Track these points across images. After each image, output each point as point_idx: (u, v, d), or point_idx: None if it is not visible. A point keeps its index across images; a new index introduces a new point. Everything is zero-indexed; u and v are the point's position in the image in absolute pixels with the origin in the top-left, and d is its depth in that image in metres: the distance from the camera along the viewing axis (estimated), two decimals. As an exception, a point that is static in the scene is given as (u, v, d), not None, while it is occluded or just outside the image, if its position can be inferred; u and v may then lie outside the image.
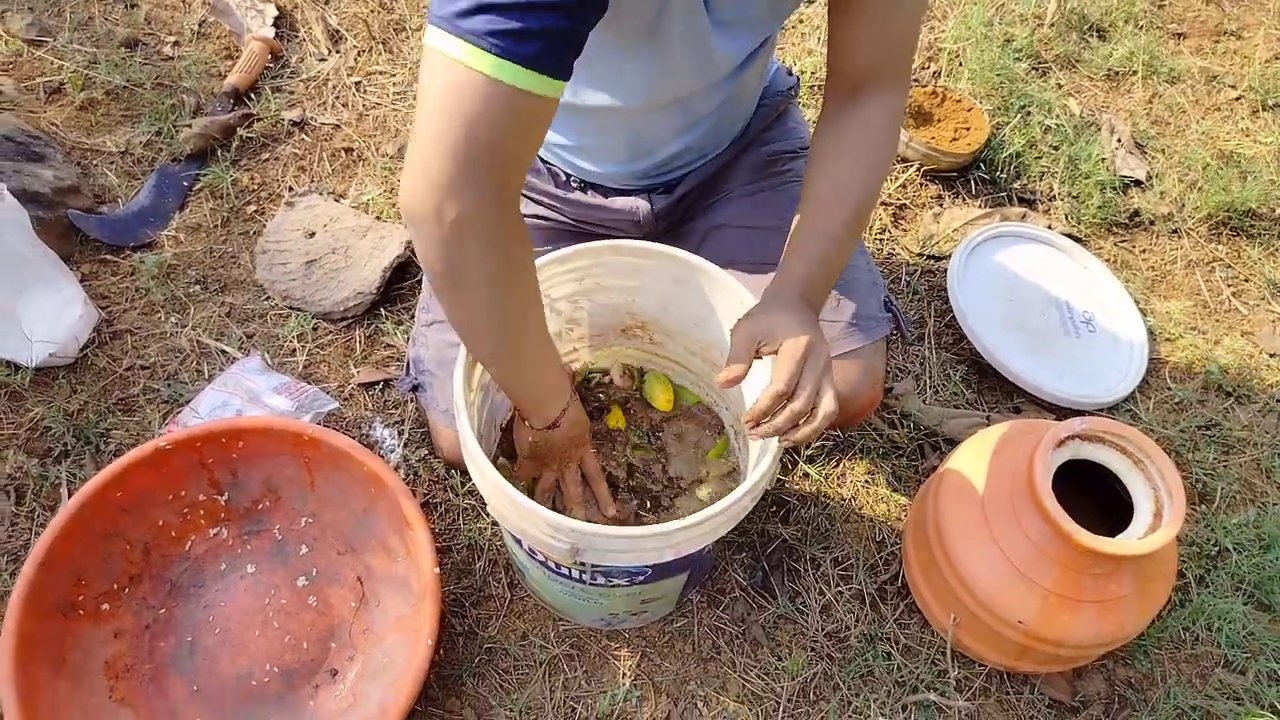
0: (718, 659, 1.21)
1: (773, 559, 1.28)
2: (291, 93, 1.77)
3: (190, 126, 1.65)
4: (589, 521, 0.96)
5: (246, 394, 1.29)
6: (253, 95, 1.75)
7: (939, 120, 1.74)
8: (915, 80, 1.86)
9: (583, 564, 0.95)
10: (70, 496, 1.17)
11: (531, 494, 1.09)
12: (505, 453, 1.17)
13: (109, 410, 1.34)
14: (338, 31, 1.87)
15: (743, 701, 1.18)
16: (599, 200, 1.18)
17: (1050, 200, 1.73)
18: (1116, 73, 1.95)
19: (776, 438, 0.87)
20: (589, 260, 1.06)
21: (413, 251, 1.50)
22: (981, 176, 1.73)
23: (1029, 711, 1.19)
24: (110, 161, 1.62)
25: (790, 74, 1.26)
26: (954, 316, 1.50)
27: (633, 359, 1.25)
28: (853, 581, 1.27)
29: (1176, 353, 1.56)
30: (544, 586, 1.15)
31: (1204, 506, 1.39)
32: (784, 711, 1.17)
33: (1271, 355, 1.56)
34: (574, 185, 1.18)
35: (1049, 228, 1.65)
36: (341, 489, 1.20)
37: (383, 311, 1.47)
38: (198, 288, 1.49)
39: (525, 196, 1.23)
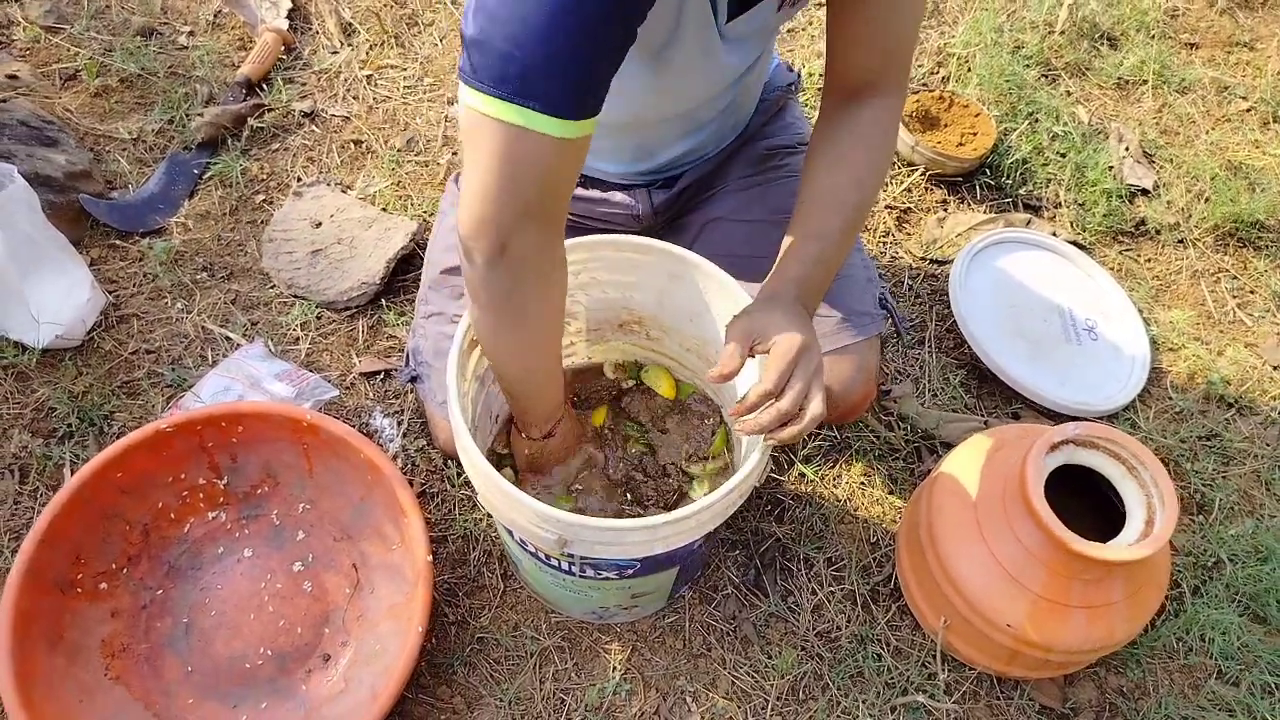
0: (708, 655, 1.21)
1: (766, 557, 1.28)
2: (303, 84, 1.79)
3: (202, 115, 1.67)
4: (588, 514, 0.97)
5: (248, 379, 1.30)
6: (265, 86, 1.76)
7: (946, 125, 1.74)
8: (924, 85, 1.86)
9: (571, 555, 0.96)
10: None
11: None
12: (505, 445, 1.18)
13: (113, 393, 1.35)
14: (350, 25, 1.89)
15: (731, 698, 1.18)
16: (599, 194, 1.19)
17: (1056, 207, 1.73)
18: (1126, 81, 1.94)
19: (764, 436, 0.88)
20: (585, 254, 1.06)
21: (417, 244, 1.51)
22: (987, 182, 1.73)
23: (1019, 717, 1.19)
24: (122, 148, 1.64)
25: (790, 70, 1.27)
26: (955, 321, 1.50)
27: (630, 354, 1.26)
28: (845, 582, 1.27)
29: (1179, 363, 1.56)
30: (536, 578, 1.15)
31: (1202, 517, 1.38)
32: (772, 710, 1.17)
33: (1275, 367, 1.56)
34: (574, 181, 1.19)
35: (1054, 234, 1.65)
36: (339, 476, 1.21)
37: (386, 302, 1.49)
38: (204, 274, 1.51)
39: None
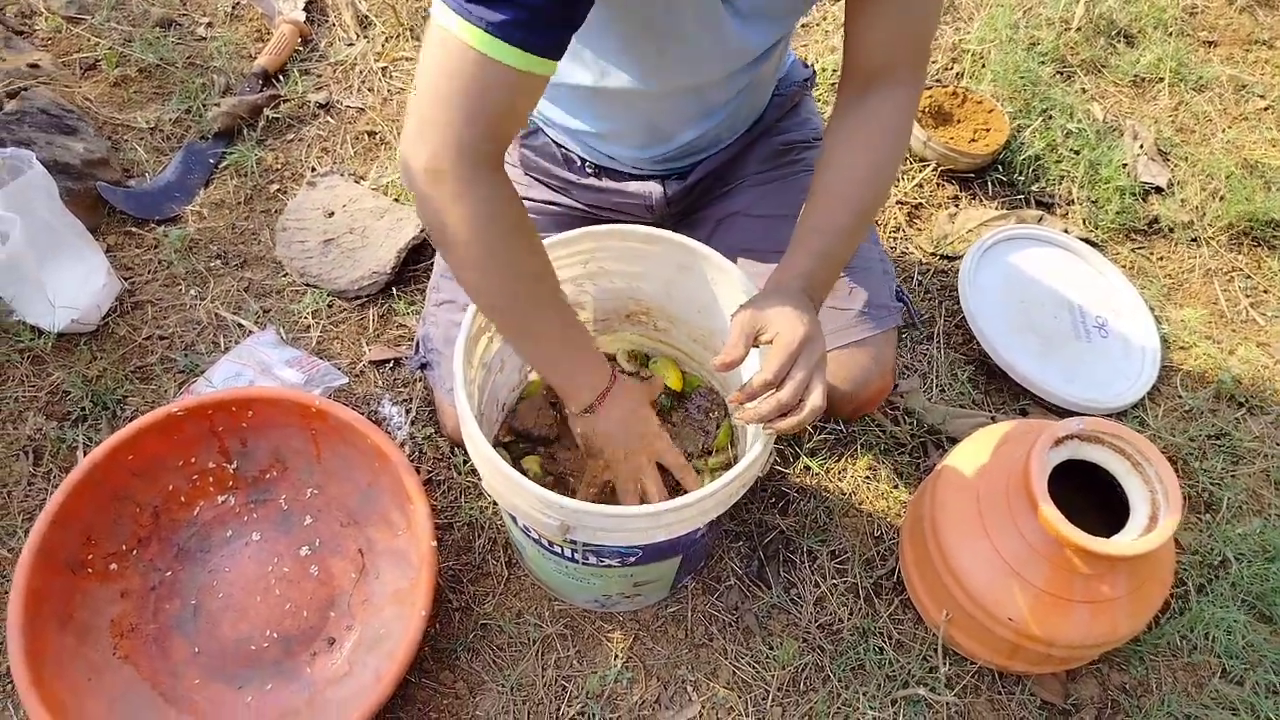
0: (710, 645, 1.22)
1: (769, 549, 1.29)
2: (319, 76, 1.80)
3: (219, 105, 1.68)
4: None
5: (259, 365, 1.32)
6: (281, 77, 1.78)
7: (959, 121, 1.73)
8: (938, 80, 1.86)
9: (574, 542, 0.96)
10: (85, 458, 1.20)
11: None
12: (512, 432, 1.19)
13: (127, 377, 1.37)
14: (366, 17, 1.90)
15: (732, 688, 1.19)
16: (612, 185, 1.19)
17: (1068, 204, 1.72)
18: (1143, 79, 1.93)
19: (763, 426, 0.88)
20: (593, 244, 1.07)
21: (428, 234, 1.52)
22: (999, 178, 1.73)
23: (1020, 712, 1.19)
24: (140, 137, 1.66)
25: (806, 66, 1.27)
26: (964, 317, 1.50)
27: (637, 345, 1.27)
28: (848, 575, 1.27)
29: (1189, 361, 1.55)
30: (539, 565, 1.16)
31: (1209, 516, 1.37)
32: (773, 700, 1.18)
33: (1288, 368, 1.55)
34: (588, 170, 1.20)
35: (1065, 231, 1.64)
36: (347, 462, 1.23)
37: (396, 292, 1.50)
38: (218, 262, 1.52)
39: (539, 181, 1.25)
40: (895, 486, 1.36)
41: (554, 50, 0.80)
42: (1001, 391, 1.48)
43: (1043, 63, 1.89)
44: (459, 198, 0.83)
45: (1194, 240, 1.71)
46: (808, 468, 1.36)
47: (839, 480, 1.36)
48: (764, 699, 1.18)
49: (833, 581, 1.27)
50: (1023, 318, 1.52)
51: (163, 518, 1.21)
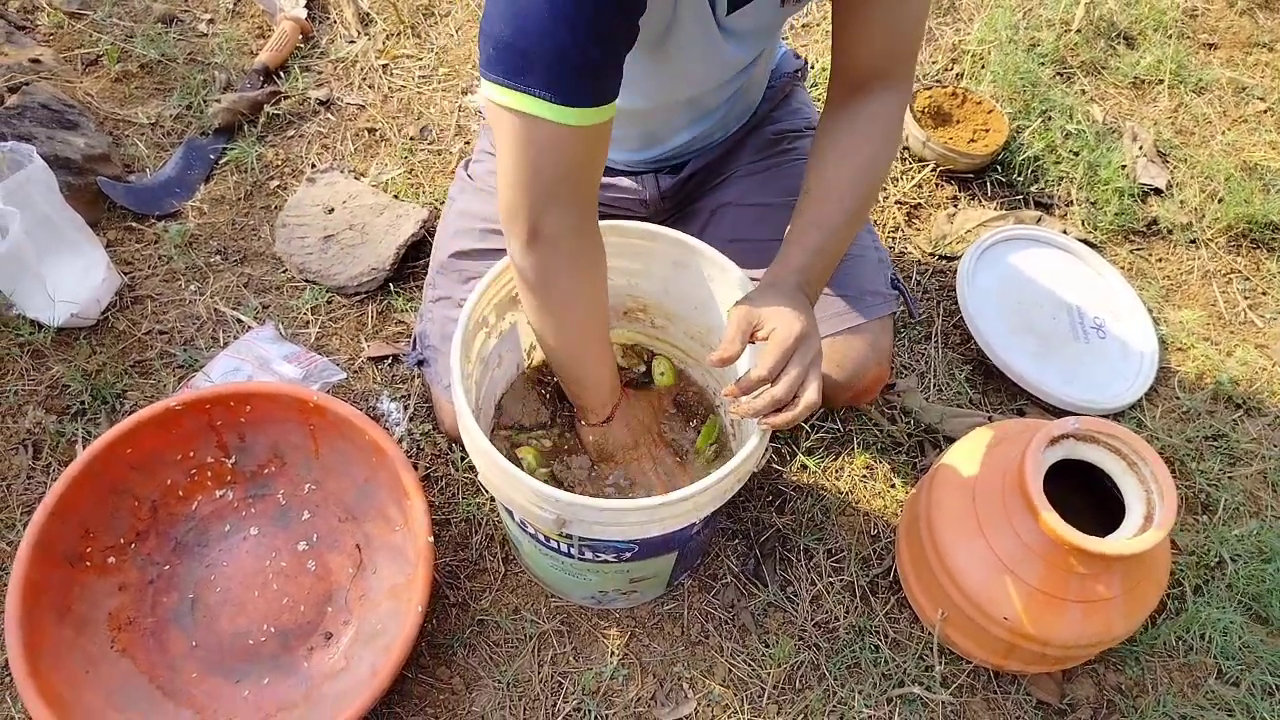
0: (706, 643, 1.22)
1: (766, 547, 1.29)
2: (320, 73, 1.81)
3: (219, 101, 1.69)
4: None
5: (257, 360, 1.32)
6: (282, 74, 1.78)
7: (958, 121, 1.73)
8: (937, 81, 1.86)
9: (570, 536, 0.97)
10: (83, 452, 1.20)
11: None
12: (505, 426, 1.19)
13: (126, 372, 1.38)
14: (368, 15, 1.90)
15: (728, 686, 1.19)
16: (606, 180, 1.20)
17: (1067, 205, 1.72)
18: (1143, 81, 1.93)
19: (758, 421, 0.89)
20: (591, 240, 1.07)
21: (428, 231, 1.52)
22: (998, 179, 1.73)
23: (1015, 711, 1.19)
24: (140, 132, 1.67)
25: (797, 57, 1.27)
26: (962, 317, 1.50)
27: (636, 342, 1.27)
28: (844, 573, 1.28)
29: (1187, 362, 1.55)
30: (536, 561, 1.16)
31: (1206, 517, 1.38)
32: (768, 698, 1.18)
33: (1285, 370, 1.55)
34: (582, 166, 1.20)
35: (1064, 232, 1.64)
36: (345, 457, 1.23)
37: (395, 288, 1.50)
38: (218, 258, 1.53)
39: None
40: (892, 485, 1.36)
41: (616, 92, 0.83)
42: (999, 391, 1.48)
43: (1042, 64, 1.89)
44: (571, 264, 0.92)
45: (1193, 242, 1.71)
46: (805, 466, 1.36)
47: (836, 479, 1.36)
48: (760, 697, 1.18)
49: (829, 580, 1.27)
50: (1021, 318, 1.52)
51: (161, 512, 1.21)
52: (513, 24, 0.75)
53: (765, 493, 1.34)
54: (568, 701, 1.17)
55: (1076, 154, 1.76)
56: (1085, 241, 1.65)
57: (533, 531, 1.02)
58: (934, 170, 1.71)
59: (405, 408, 1.37)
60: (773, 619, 1.24)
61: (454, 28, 1.91)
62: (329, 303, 1.49)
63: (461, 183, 1.30)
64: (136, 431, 1.16)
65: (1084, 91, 1.90)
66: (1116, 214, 1.68)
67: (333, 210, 1.55)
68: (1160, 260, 1.69)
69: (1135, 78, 1.93)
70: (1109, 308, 1.56)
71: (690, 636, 1.22)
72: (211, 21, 1.87)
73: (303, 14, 1.84)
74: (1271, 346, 1.58)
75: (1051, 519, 1.00)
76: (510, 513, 1.04)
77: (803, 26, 1.98)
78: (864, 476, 1.37)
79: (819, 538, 1.30)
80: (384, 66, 1.83)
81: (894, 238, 1.66)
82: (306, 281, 1.50)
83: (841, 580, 1.27)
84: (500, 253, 1.05)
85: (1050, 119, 1.79)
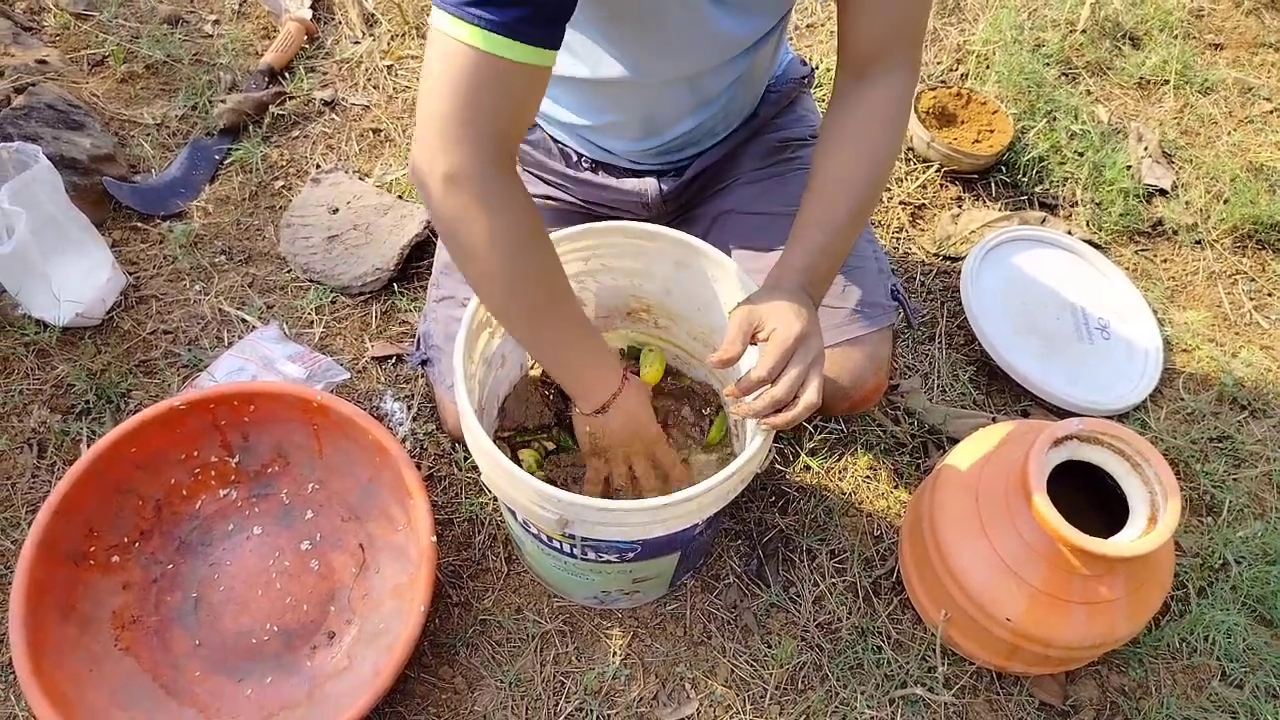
0: (708, 643, 1.22)
1: (769, 548, 1.29)
2: (324, 73, 1.81)
3: (225, 102, 1.69)
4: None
5: (261, 360, 1.33)
6: (287, 74, 1.79)
7: (962, 122, 1.73)
8: (942, 82, 1.86)
9: (572, 537, 0.97)
10: (88, 451, 1.21)
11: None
12: (508, 428, 1.19)
13: (131, 371, 1.38)
14: (373, 15, 1.91)
15: (730, 686, 1.19)
16: (609, 180, 1.20)
17: (1072, 206, 1.72)
18: (1148, 81, 1.93)
19: (758, 421, 0.89)
20: (594, 240, 1.07)
21: (431, 231, 1.52)
22: (1003, 179, 1.73)
23: (1018, 713, 1.19)
24: (146, 133, 1.67)
25: (804, 63, 1.27)
26: (966, 318, 1.50)
27: (637, 342, 1.27)
28: (847, 574, 1.27)
29: (1192, 364, 1.54)
30: (539, 561, 1.16)
31: (1210, 518, 1.37)
32: (770, 699, 1.18)
33: (1291, 371, 1.54)
34: (585, 165, 1.20)
35: (1069, 233, 1.64)
36: (348, 457, 1.23)
37: (399, 288, 1.50)
38: (223, 258, 1.53)
39: (535, 176, 1.25)
40: (895, 486, 1.36)
41: (555, 40, 0.81)
42: (1003, 393, 1.48)
43: (1047, 64, 1.89)
44: (483, 210, 0.83)
45: (1198, 243, 1.70)
46: (808, 467, 1.36)
47: (839, 479, 1.36)
48: (762, 697, 1.18)
49: (832, 580, 1.27)
50: (1025, 319, 1.52)
51: (165, 511, 1.21)
52: None
53: (768, 493, 1.34)
54: (570, 701, 1.17)
55: (1081, 154, 1.75)
56: (1090, 242, 1.64)
57: (535, 532, 1.02)
58: (938, 171, 1.71)
59: (409, 408, 1.37)
60: (775, 619, 1.24)
61: (458, 28, 1.91)
62: (333, 303, 1.49)
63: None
64: (141, 431, 1.16)
65: (1089, 92, 1.90)
66: (1121, 215, 1.68)
67: (337, 210, 1.56)
68: (1165, 261, 1.69)
69: (1140, 78, 1.93)
70: (1114, 309, 1.56)
71: (693, 637, 1.22)
72: (217, 22, 1.87)
73: (308, 15, 1.84)
74: (1277, 348, 1.58)
75: (1055, 521, 1.00)
76: (513, 513, 1.04)
77: (807, 27, 1.98)
78: (867, 477, 1.37)
79: (822, 538, 1.30)
80: (389, 67, 1.83)
81: (898, 238, 1.66)
82: (311, 281, 1.51)
83: (844, 581, 1.27)
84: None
85: (1055, 119, 1.79)
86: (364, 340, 1.46)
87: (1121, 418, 1.46)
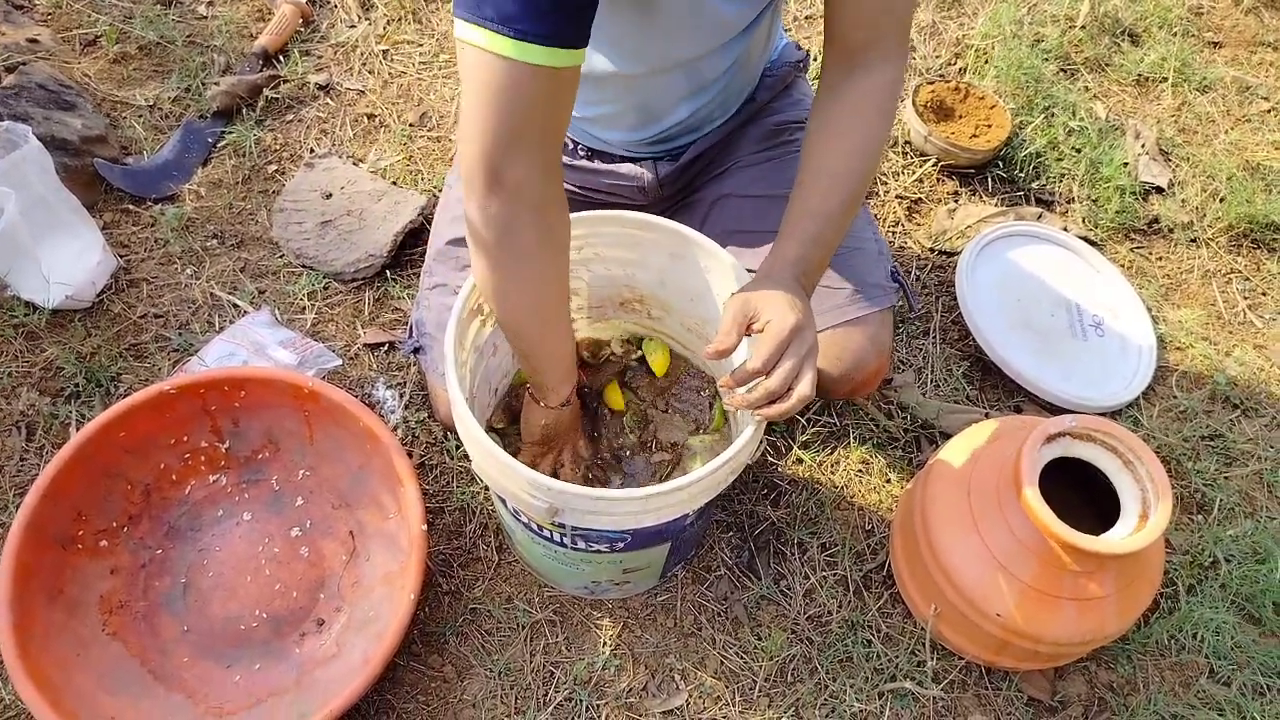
0: (698, 635, 1.22)
1: (760, 540, 1.29)
2: (319, 57, 1.80)
3: (218, 84, 1.68)
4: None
5: (252, 345, 1.32)
6: (281, 57, 1.77)
7: (960, 116, 1.73)
8: (940, 76, 1.85)
9: (562, 525, 0.96)
10: (76, 434, 1.20)
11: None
12: (509, 414, 1.19)
13: (121, 355, 1.37)
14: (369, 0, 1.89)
15: (720, 678, 1.19)
16: (605, 167, 1.19)
17: (1068, 202, 1.72)
18: (1146, 78, 1.93)
19: (751, 412, 0.89)
20: (587, 230, 1.07)
21: (426, 218, 1.51)
22: (1000, 175, 1.72)
23: (1006, 708, 1.19)
24: (138, 114, 1.66)
25: (799, 48, 1.26)
26: (961, 313, 1.49)
27: (631, 333, 1.27)
28: (838, 568, 1.27)
29: (1186, 362, 1.55)
30: (529, 551, 1.16)
31: (1201, 516, 1.38)
32: (760, 690, 1.18)
33: (1283, 370, 1.55)
34: (580, 153, 1.19)
35: (1065, 229, 1.64)
36: (339, 444, 1.23)
37: (392, 275, 1.50)
38: (215, 242, 1.52)
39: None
40: (887, 480, 1.36)
41: (584, 38, 0.81)
42: (996, 388, 1.48)
43: (1046, 60, 1.88)
44: (536, 212, 0.87)
45: (1193, 241, 1.70)
46: (800, 459, 1.36)
47: (831, 473, 1.36)
48: (751, 689, 1.18)
49: (822, 574, 1.27)
50: (1019, 315, 1.52)
51: (154, 496, 1.21)
52: None
53: (760, 485, 1.33)
54: (559, 691, 1.17)
55: (1078, 151, 1.75)
56: (1085, 239, 1.64)
57: (526, 521, 1.02)
58: (935, 165, 1.71)
59: (401, 395, 1.37)
60: (765, 612, 1.24)
61: (455, 14, 1.89)
62: (326, 289, 1.48)
63: (458, 169, 1.29)
64: (130, 415, 1.15)
65: (1087, 88, 1.89)
66: (1117, 212, 1.68)
67: (330, 196, 1.55)
68: (1160, 259, 1.69)
69: (1139, 75, 1.92)
70: (1107, 305, 1.56)
71: (683, 628, 1.22)
72: (211, 4, 1.85)
73: (303, -2, 1.83)
74: (1270, 347, 1.58)
75: (1045, 517, 1.00)
76: (504, 501, 1.04)
77: (805, 18, 1.97)
78: (859, 471, 1.37)
79: (813, 531, 1.30)
80: (384, 52, 1.81)
81: (894, 232, 1.65)
82: (303, 267, 1.50)
83: (835, 574, 1.27)
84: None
85: (1053, 115, 1.79)
86: (356, 327, 1.45)
87: (1114, 415, 1.46)
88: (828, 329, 1.13)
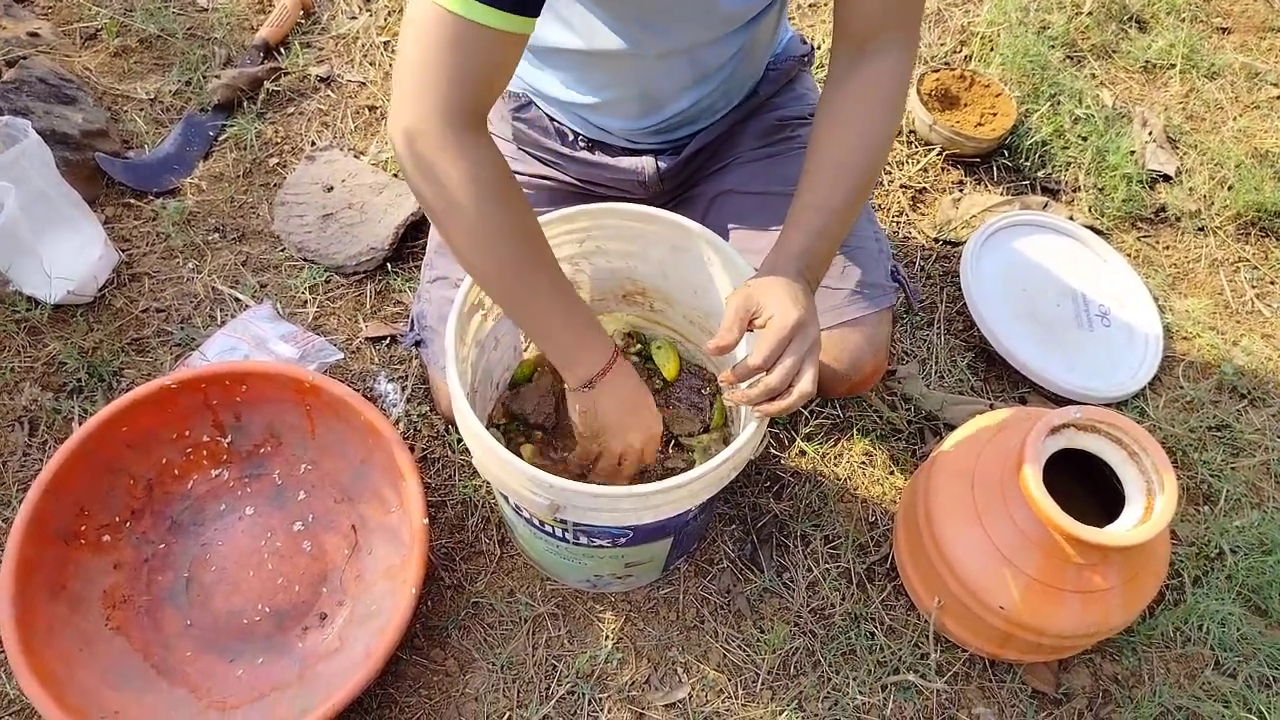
0: (701, 628, 1.22)
1: (763, 533, 1.28)
2: (320, 49, 1.79)
3: (219, 77, 1.67)
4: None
5: (254, 340, 1.32)
6: (282, 50, 1.77)
7: (965, 105, 1.71)
8: (945, 64, 1.83)
9: (564, 522, 0.96)
10: (79, 430, 1.20)
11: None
12: (508, 413, 1.18)
13: (123, 349, 1.37)
14: (369, -10, 1.88)
15: (722, 671, 1.19)
16: (605, 159, 1.18)
17: (1074, 191, 1.70)
18: (1154, 65, 1.91)
19: (752, 408, 0.88)
20: (589, 222, 1.06)
21: (427, 210, 1.51)
22: (1005, 164, 1.71)
23: (1010, 700, 1.19)
24: (139, 108, 1.65)
25: (804, 41, 1.25)
26: (965, 303, 1.48)
27: (634, 326, 1.26)
28: (841, 560, 1.27)
29: (1193, 351, 1.53)
30: (531, 545, 1.16)
31: (1207, 508, 1.37)
32: (762, 684, 1.18)
33: (1292, 360, 1.53)
34: (581, 144, 1.18)
35: (1071, 219, 1.63)
36: (341, 438, 1.23)
37: (394, 268, 1.49)
38: (216, 235, 1.52)
39: (531, 155, 1.24)
40: (891, 472, 1.35)
41: (531, 7, 0.81)
42: (1001, 379, 1.47)
43: (1052, 47, 1.86)
44: (445, 159, 0.83)
45: (1201, 230, 1.69)
46: (803, 452, 1.35)
47: (834, 465, 1.35)
48: (754, 682, 1.18)
49: (825, 566, 1.26)
50: (1025, 305, 1.51)
51: (156, 490, 1.21)
52: None
53: (763, 478, 1.33)
54: (562, 684, 1.16)
55: (1085, 139, 1.74)
56: (1092, 228, 1.63)
57: (528, 516, 1.02)
58: (940, 154, 1.69)
59: (403, 389, 1.36)
60: (768, 605, 1.24)
61: (456, 4, 1.88)
62: (327, 282, 1.48)
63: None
64: (132, 410, 1.15)
65: (1094, 75, 1.87)
66: (1124, 200, 1.66)
67: (332, 189, 1.54)
68: (1167, 248, 1.67)
69: (1146, 62, 1.90)
70: (1114, 295, 1.55)
71: (685, 621, 1.22)
72: (211, -4, 1.85)
73: (304, -11, 1.82)
74: (1278, 337, 1.56)
75: (1049, 509, 0.99)
76: (505, 497, 1.04)
77: (810, 6, 1.95)
78: (863, 463, 1.36)
79: (816, 524, 1.29)
80: (386, 43, 1.81)
81: (898, 222, 1.64)
82: (305, 260, 1.49)
83: (838, 567, 1.27)
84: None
85: (1059, 103, 1.77)
86: (358, 320, 1.44)
87: (1120, 405, 1.45)
88: (826, 329, 1.12)
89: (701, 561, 1.26)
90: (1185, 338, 1.55)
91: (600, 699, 1.16)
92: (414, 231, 1.51)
